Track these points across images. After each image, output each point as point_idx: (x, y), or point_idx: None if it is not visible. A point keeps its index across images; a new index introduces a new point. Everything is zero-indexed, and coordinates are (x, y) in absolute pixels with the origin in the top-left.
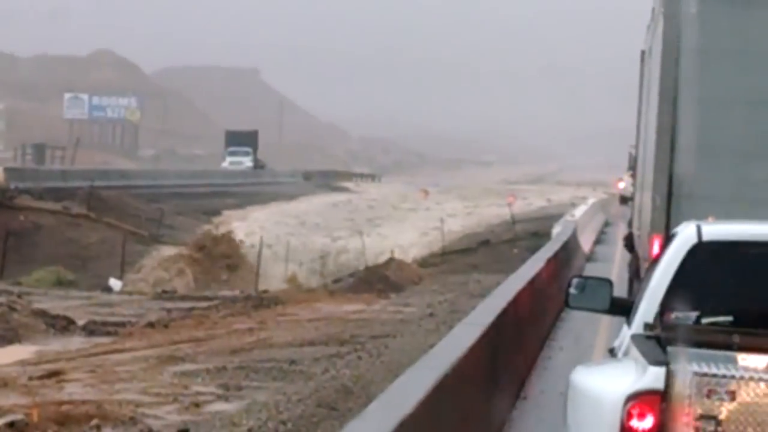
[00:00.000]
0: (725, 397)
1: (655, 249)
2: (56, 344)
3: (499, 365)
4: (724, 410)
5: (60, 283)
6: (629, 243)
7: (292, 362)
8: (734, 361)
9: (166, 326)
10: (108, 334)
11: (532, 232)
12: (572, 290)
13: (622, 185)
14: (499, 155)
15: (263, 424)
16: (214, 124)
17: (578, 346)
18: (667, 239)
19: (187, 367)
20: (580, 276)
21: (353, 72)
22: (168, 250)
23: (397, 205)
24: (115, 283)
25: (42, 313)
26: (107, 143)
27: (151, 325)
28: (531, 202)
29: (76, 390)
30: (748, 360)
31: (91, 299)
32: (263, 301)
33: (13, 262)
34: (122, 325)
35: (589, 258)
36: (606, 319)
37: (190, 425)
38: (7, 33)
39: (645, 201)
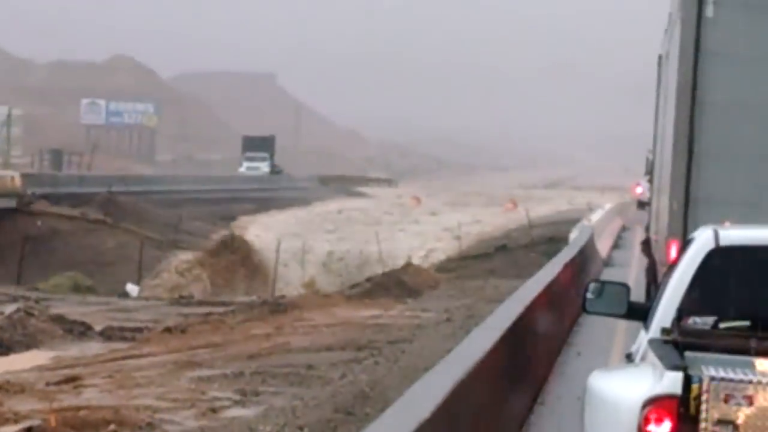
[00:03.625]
0: (742, 402)
1: (673, 254)
2: (74, 350)
3: (516, 370)
4: (742, 415)
5: (77, 289)
6: (646, 248)
7: (310, 367)
8: (752, 366)
9: (183, 331)
10: (125, 339)
11: (549, 237)
12: (589, 295)
13: (639, 190)
14: (516, 160)
15: (280, 429)
16: (231, 130)
17: (595, 351)
18: (685, 244)
19: (205, 372)
20: (597, 280)
21: (370, 77)
22: (185, 256)
23: (381, 218)
24: (132, 289)
25: (59, 319)
26: (124, 149)
27: (168, 330)
28: (537, 208)
29: (93, 395)
30: (766, 365)
31: (108, 305)
32: (280, 306)
33: (31, 267)
34: (139, 330)
35: (607, 263)
36: (623, 324)
37: (207, 431)
38: (25, 39)
39: (662, 206)
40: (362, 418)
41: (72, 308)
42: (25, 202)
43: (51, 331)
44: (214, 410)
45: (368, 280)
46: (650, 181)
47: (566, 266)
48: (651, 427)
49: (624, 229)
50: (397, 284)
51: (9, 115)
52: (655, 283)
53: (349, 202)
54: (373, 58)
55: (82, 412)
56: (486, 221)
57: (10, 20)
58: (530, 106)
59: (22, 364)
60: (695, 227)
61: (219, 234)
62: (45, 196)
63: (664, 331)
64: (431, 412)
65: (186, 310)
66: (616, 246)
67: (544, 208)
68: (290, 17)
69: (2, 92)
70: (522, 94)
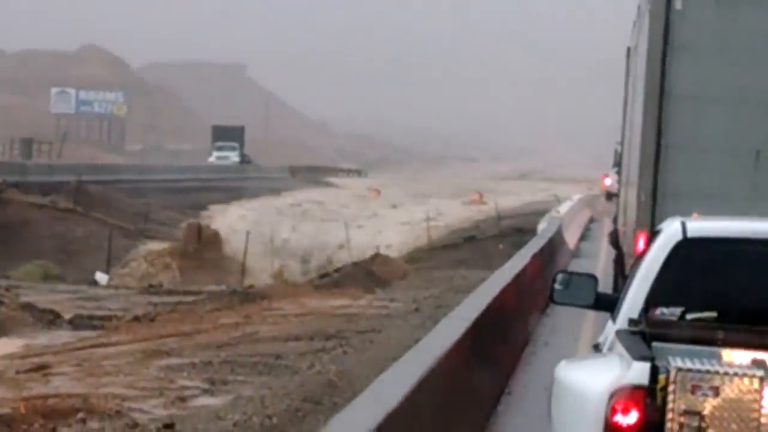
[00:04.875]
0: (709, 392)
1: (640, 245)
2: (43, 338)
3: (483, 360)
4: (708, 406)
5: (47, 277)
6: (614, 239)
7: (278, 357)
8: (718, 357)
9: (152, 320)
10: (94, 327)
11: (518, 228)
12: (557, 285)
13: (608, 181)
14: (485, 151)
15: (248, 418)
16: (201, 120)
17: (563, 341)
18: (652, 235)
19: (173, 361)
20: (564, 271)
21: (339, 69)
22: (154, 245)
23: (338, 210)
24: (101, 277)
25: (29, 307)
26: (94, 138)
27: (137, 319)
28: (506, 199)
29: (62, 383)
30: (732, 356)
31: (77, 293)
32: (249, 296)
33: (1, 255)
34: (108, 319)
35: (575, 254)
36: (591, 315)
37: (176, 419)
38: None
39: (630, 197)
40: (330, 407)
41: (41, 296)
42: None
43: (21, 319)
44: (182, 399)
45: (337, 270)
46: (619, 172)
47: (534, 257)
48: (618, 417)
49: (592, 220)
50: (365, 274)
51: None
52: (622, 275)
53: (315, 193)
54: (342, 50)
55: (51, 401)
56: (449, 214)
57: None
58: (500, 99)
59: None
60: (663, 219)
61: (188, 223)
62: (15, 185)
63: (632, 321)
64: (399, 402)
65: (155, 299)
66: (584, 237)
67: (513, 199)
68: (260, 8)
69: None
70: (492, 86)
